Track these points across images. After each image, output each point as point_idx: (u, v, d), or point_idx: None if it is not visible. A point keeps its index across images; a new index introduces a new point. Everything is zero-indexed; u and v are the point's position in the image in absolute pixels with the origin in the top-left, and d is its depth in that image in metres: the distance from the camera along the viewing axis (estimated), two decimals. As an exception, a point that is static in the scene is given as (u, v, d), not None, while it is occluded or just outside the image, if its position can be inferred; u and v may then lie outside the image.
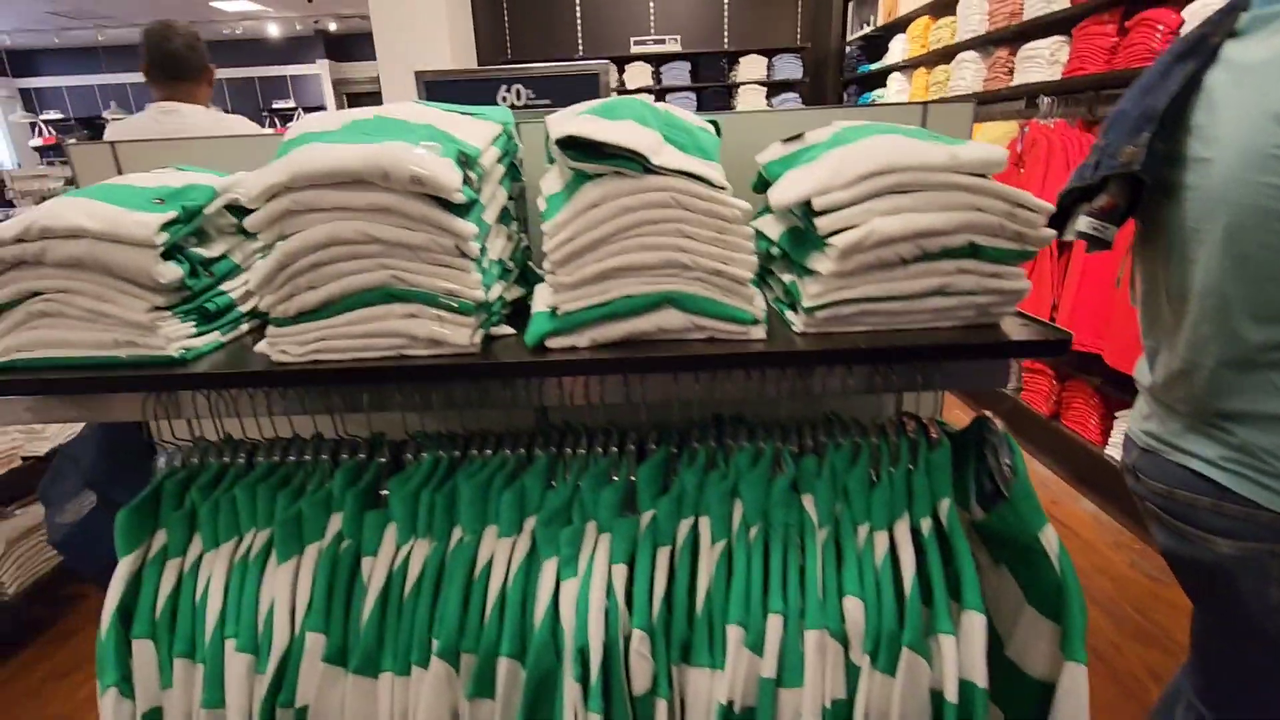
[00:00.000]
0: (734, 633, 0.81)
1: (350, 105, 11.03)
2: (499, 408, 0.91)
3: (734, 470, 0.91)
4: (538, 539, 0.88)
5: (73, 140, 10.42)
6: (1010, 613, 0.88)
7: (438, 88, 1.35)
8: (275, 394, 0.92)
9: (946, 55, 4.37)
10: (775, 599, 0.82)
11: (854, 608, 0.80)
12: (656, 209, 0.80)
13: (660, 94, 6.54)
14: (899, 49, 5.26)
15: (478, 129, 0.91)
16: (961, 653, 0.79)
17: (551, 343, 0.83)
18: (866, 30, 5.96)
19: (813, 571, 0.83)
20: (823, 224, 0.80)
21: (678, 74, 6.70)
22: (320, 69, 10.78)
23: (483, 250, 0.84)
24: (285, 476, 0.96)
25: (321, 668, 0.83)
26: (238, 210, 1.00)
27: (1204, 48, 0.90)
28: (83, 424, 1.47)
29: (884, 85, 5.62)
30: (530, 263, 1.11)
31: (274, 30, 10.28)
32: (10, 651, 2.31)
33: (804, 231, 0.88)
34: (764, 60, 6.65)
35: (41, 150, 10.63)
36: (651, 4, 6.67)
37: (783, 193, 0.85)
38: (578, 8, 6.67)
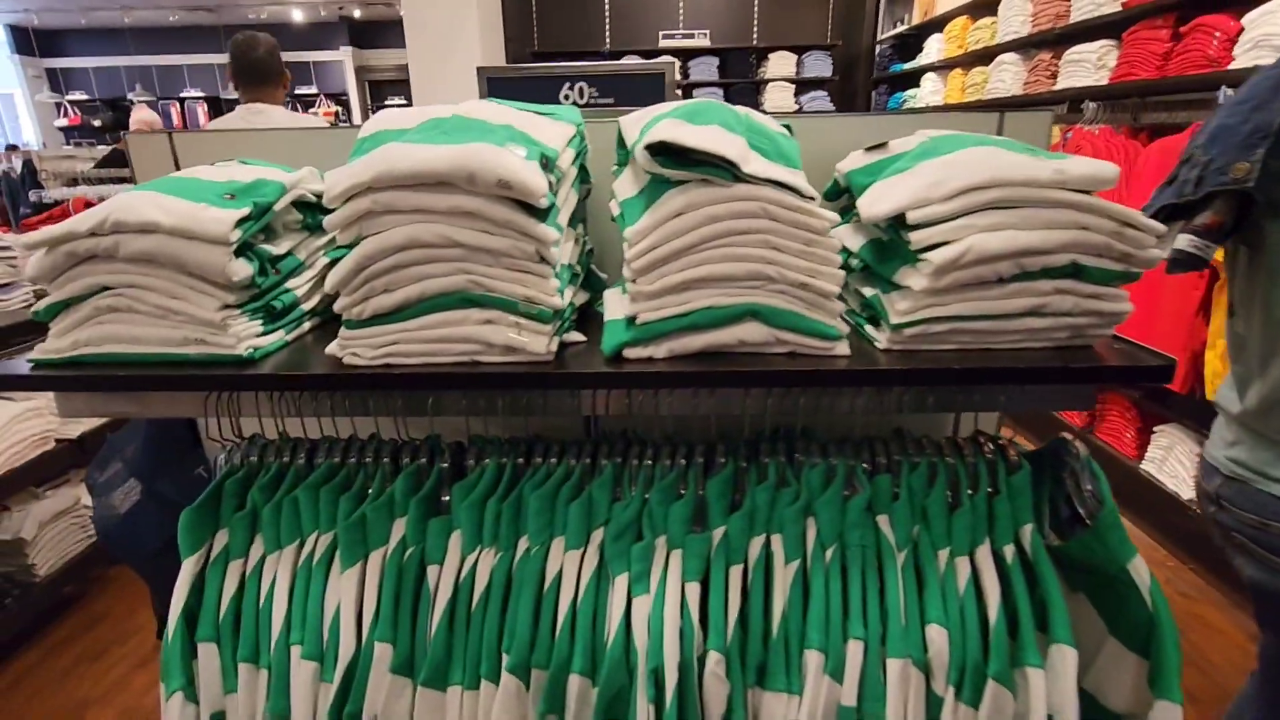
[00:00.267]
0: (813, 658, 0.78)
1: (373, 94, 11.06)
2: (565, 416, 0.89)
3: (806, 488, 0.88)
4: (607, 553, 0.86)
5: (98, 122, 10.51)
6: (1091, 643, 0.85)
7: (500, 84, 1.32)
8: (338, 396, 0.90)
9: (985, 56, 4.30)
10: (855, 624, 0.79)
11: (938, 636, 0.78)
12: (745, 219, 0.77)
13: (687, 90, 6.48)
14: (935, 48, 5.18)
15: (554, 130, 0.89)
16: (1050, 688, 0.76)
17: (629, 353, 0.81)
18: (900, 29, 5.89)
19: (894, 597, 0.81)
20: (917, 238, 0.77)
21: (705, 69, 6.63)
22: (344, 56, 10.75)
23: (557, 255, 0.81)
24: (346, 479, 0.94)
25: (389, 678, 0.82)
26: (302, 206, 0.99)
27: None
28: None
29: (916, 85, 5.55)
30: (593, 266, 1.09)
31: (298, 15, 10.27)
32: (40, 634, 2.31)
33: (891, 244, 0.85)
34: (793, 57, 6.57)
35: (66, 131, 10.70)
36: (681, -2, 6.62)
37: (873, 204, 0.82)
38: (606, 1, 6.61)
